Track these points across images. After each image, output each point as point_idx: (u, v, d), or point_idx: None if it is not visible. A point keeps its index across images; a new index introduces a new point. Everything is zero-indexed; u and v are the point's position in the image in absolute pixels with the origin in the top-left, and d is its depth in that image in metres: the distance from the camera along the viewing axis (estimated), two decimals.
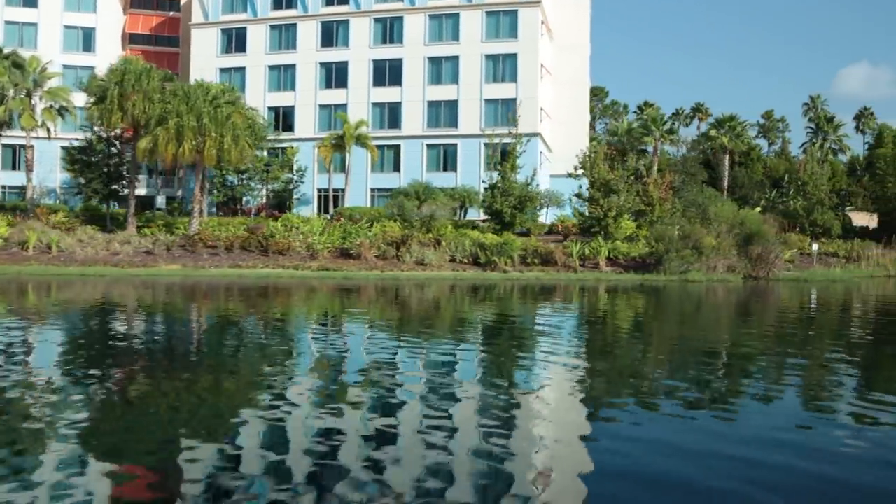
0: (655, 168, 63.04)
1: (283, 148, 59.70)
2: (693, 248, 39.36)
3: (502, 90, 58.31)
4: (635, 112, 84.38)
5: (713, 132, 63.62)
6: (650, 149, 66.01)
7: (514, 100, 57.91)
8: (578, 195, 44.84)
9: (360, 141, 55.91)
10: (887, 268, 49.37)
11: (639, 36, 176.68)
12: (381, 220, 45.23)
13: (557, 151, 62.39)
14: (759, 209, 60.62)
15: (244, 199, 60.33)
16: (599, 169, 43.36)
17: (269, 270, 39.29)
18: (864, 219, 65.77)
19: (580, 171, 44.95)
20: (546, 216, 55.40)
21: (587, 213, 44.56)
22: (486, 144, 48.47)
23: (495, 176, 45.05)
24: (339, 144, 55.81)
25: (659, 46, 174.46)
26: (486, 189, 45.13)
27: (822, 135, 69.58)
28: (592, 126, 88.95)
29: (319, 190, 61.26)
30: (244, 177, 57.87)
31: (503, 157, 45.65)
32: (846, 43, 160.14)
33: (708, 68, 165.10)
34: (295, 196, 61.54)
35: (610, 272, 40.33)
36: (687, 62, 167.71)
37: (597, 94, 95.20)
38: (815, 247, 50.73)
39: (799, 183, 54.88)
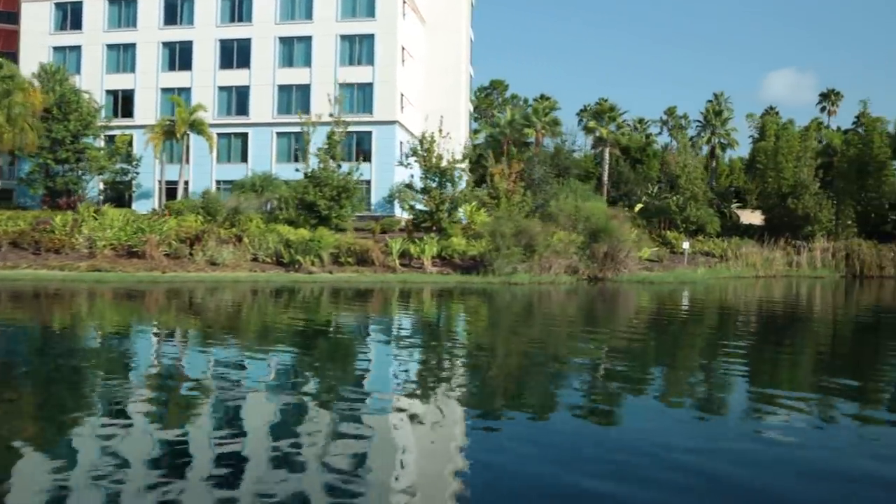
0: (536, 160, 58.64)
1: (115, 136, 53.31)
2: (526, 246, 34.62)
3: (358, 73, 53.02)
4: (532, 106, 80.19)
5: (592, 123, 59.46)
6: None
7: (370, 84, 52.81)
8: (409, 186, 39.75)
9: (196, 127, 49.98)
10: (756, 268, 45.67)
11: (561, 33, 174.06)
12: (186, 215, 39.42)
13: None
14: (640, 206, 56.79)
15: (77, 192, 53.73)
16: (430, 156, 38.31)
17: (26, 271, 33.18)
18: (756, 216, 62.56)
19: (412, 160, 39.82)
20: (402, 212, 50.40)
21: (421, 207, 39.48)
22: (301, 129, 42.98)
23: (314, 165, 39.61)
24: (173, 131, 49.77)
25: (574, 44, 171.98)
26: (304, 178, 39.68)
27: (710, 129, 66.02)
28: (490, 120, 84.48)
29: (161, 182, 54.93)
30: (67, 167, 51.28)
31: (333, 147, 40.14)
32: (773, 49, 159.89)
33: (633, 71, 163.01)
34: (134, 189, 55.28)
35: (435, 273, 35.33)
36: (610, 64, 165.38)
37: (497, 86, 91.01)
38: (686, 245, 46.84)
39: (674, 177, 50.91)
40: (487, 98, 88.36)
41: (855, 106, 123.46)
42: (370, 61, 52.97)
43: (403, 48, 54.03)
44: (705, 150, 68.06)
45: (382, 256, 35.57)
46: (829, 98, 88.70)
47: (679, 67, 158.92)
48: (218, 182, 54.40)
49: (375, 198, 51.69)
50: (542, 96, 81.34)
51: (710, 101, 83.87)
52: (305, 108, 53.34)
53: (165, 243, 35.74)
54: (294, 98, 53.79)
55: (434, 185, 38.54)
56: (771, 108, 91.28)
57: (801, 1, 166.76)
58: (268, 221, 37.98)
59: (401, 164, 41.46)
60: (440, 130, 38.84)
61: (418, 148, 38.88)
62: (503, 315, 22.24)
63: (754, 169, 55.91)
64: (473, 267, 36.49)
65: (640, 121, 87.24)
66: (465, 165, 39.15)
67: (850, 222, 53.50)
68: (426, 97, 59.28)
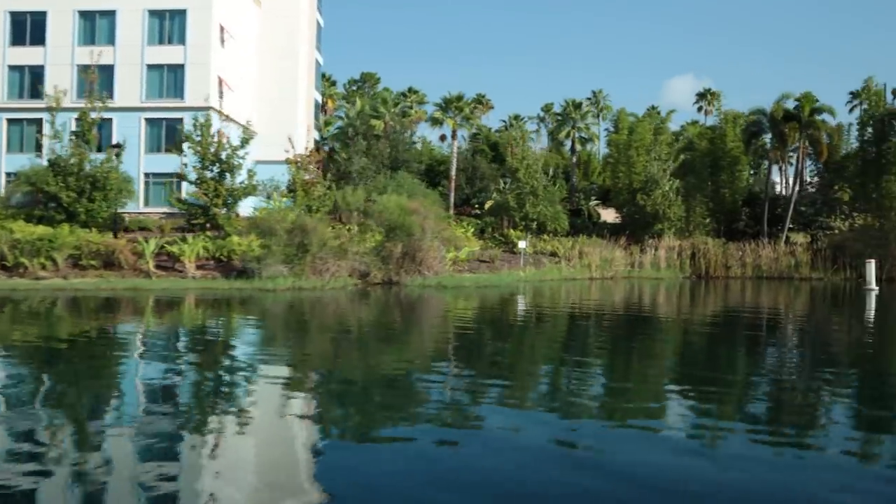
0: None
1: None
2: (299, 246, 29.85)
3: (169, 54, 47.35)
4: (399, 98, 75.78)
5: (438, 114, 55.35)
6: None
7: (182, 66, 47.17)
8: (180, 176, 34.40)
9: None
10: (590, 269, 42.28)
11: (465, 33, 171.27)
12: None
13: (264, 133, 52.21)
14: (490, 203, 53.00)
15: None
16: (205, 142, 33.10)
17: None
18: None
19: (186, 146, 34.46)
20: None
21: (194, 201, 34.19)
22: (48, 111, 37.05)
23: (61, 151, 33.82)
24: None
25: (461, 40, 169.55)
26: (48, 167, 33.90)
27: (570, 123, 62.95)
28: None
29: None
30: None
31: (86, 130, 34.42)
32: (674, 56, 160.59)
33: (523, 70, 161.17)
34: None
35: (198, 278, 30.15)
36: (500, 62, 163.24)
37: (367, 79, 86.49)
38: (522, 244, 43.07)
39: (512, 171, 47.15)
40: (358, 91, 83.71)
41: (732, 105, 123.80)
42: (182, 40, 47.33)
43: (223, 27, 48.55)
44: (569, 144, 65.05)
45: (134, 258, 30.16)
46: (705, 98, 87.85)
47: (575, 71, 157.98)
48: (8, 174, 47.67)
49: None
50: (410, 89, 77.27)
51: (588, 99, 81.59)
52: (109, 91, 47.39)
53: None
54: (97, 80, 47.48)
55: (211, 175, 33.33)
56: (653, 107, 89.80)
57: (696, 7, 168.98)
58: (6, 217, 32.00)
59: (170, 150, 36.03)
60: (220, 113, 33.67)
61: (192, 133, 33.61)
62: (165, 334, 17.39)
63: (606, 162, 52.97)
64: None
65: (516, 117, 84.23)
66: (245, 153, 33.98)
67: (704, 220, 51.01)
68: (259, 83, 54.02)
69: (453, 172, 53.21)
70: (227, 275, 30.85)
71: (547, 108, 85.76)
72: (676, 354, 14.91)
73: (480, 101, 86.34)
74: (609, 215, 61.15)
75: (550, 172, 59.51)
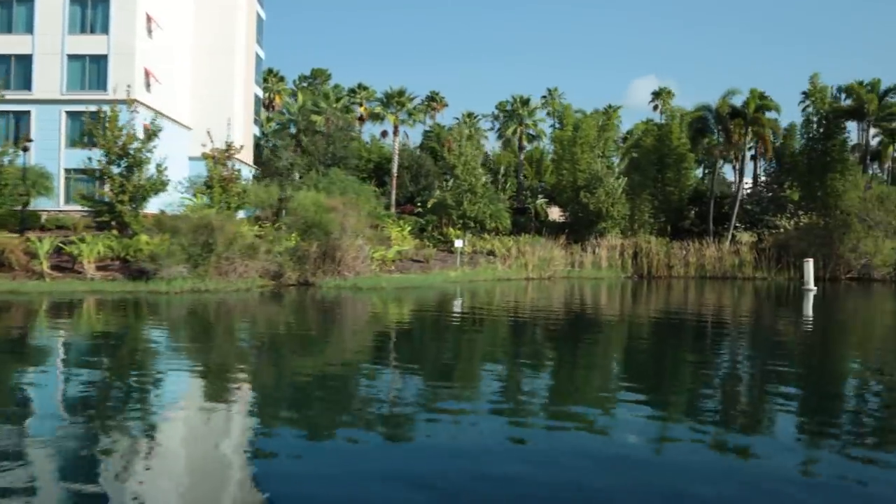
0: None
1: None
2: (204, 245, 28.03)
3: (92, 44, 44.99)
4: (348, 95, 74.01)
5: (379, 109, 53.72)
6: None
7: (105, 57, 44.93)
8: (85, 171, 32.36)
9: None
10: (527, 268, 40.95)
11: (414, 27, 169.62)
12: None
13: (198, 128, 50.11)
14: (433, 201, 51.49)
15: None
16: (110, 133, 31.07)
17: None
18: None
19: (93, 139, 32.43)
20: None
21: (101, 198, 32.14)
22: None
23: None
24: None
25: (423, 39, 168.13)
26: None
27: (517, 120, 61.69)
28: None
29: None
30: None
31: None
32: (638, 57, 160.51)
33: (482, 68, 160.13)
34: None
35: (99, 279, 28.15)
36: (453, 58, 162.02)
37: (318, 75, 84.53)
38: (458, 243, 41.61)
39: (450, 167, 45.68)
40: (309, 87, 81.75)
41: (682, 102, 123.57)
42: (105, 29, 45.05)
43: (150, 17, 46.35)
44: (516, 142, 63.85)
45: (26, 259, 28.09)
46: (660, 96, 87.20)
47: (540, 69, 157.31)
48: None
49: None
50: (359, 85, 75.47)
51: (543, 97, 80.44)
52: (26, 84, 45.15)
53: None
54: (13, 70, 45.10)
55: (118, 170, 31.32)
56: (610, 106, 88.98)
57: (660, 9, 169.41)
58: None
59: (74, 144, 33.93)
60: (130, 101, 31.72)
61: (95, 125, 31.56)
62: None
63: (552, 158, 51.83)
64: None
65: (470, 115, 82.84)
66: (153, 146, 32.06)
67: (649, 218, 49.98)
68: (193, 77, 51.91)
69: (395, 170, 51.59)
70: (129, 276, 28.92)
71: (501, 107, 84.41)
72: (587, 367, 13.53)
73: (434, 99, 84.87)
74: (557, 214, 60.15)
75: (502, 171, 58.29)
